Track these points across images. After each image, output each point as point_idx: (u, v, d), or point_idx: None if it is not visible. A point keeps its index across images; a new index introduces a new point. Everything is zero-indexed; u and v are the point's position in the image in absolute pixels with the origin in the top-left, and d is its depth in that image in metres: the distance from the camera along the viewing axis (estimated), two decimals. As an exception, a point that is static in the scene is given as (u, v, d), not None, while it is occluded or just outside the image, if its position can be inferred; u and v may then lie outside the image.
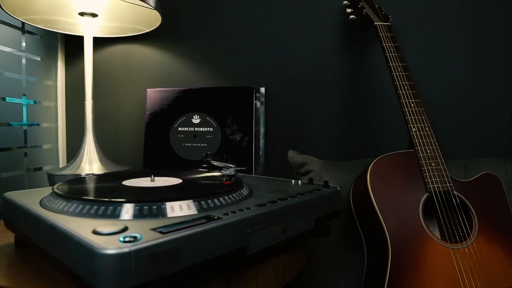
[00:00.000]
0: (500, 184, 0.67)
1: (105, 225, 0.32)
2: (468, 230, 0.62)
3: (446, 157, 0.84)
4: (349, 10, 0.87)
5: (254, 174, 0.88)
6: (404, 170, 0.66)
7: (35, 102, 0.96)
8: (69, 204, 0.40)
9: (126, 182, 0.51)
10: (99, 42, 1.05)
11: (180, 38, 1.02)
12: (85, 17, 0.83)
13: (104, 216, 0.38)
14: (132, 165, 1.04)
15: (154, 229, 0.33)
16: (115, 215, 0.37)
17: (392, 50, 0.77)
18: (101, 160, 0.83)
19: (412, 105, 0.71)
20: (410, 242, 0.60)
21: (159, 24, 0.88)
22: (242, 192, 0.47)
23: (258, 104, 0.93)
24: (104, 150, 1.05)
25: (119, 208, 0.38)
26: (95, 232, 0.31)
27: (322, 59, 0.94)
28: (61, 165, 1.07)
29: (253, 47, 0.98)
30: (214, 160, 0.68)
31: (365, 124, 0.93)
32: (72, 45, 1.07)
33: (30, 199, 0.46)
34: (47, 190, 0.52)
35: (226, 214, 0.38)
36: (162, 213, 0.38)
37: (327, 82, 0.94)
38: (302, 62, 0.95)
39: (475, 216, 0.63)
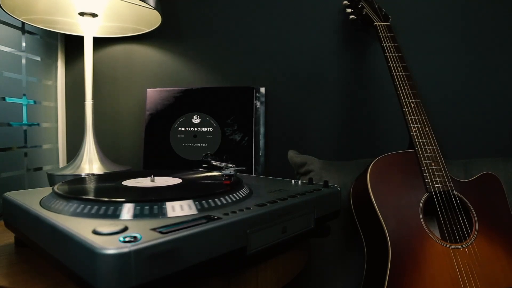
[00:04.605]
0: (500, 184, 0.67)
1: (105, 225, 0.32)
2: (468, 230, 0.62)
3: (446, 157, 0.84)
4: (349, 10, 0.87)
5: (254, 174, 0.88)
6: (404, 170, 0.66)
7: (35, 102, 0.96)
8: (69, 204, 0.40)
9: (126, 182, 0.51)
10: (99, 42, 1.05)
11: (180, 38, 1.02)
12: (85, 17, 0.83)
13: (104, 216, 0.38)
14: (132, 165, 1.04)
15: (154, 229, 0.33)
16: (115, 215, 0.37)
17: (392, 50, 0.77)
18: (101, 160, 0.83)
19: (412, 105, 0.71)
20: (410, 242, 0.60)
21: (159, 24, 0.88)
22: (242, 192, 0.47)
23: (258, 104, 0.93)
24: (104, 150, 1.05)
25: (119, 208, 0.38)
26: (95, 232, 0.31)
27: (322, 59, 0.94)
28: (61, 165, 1.07)
29: (253, 47, 0.98)
30: (214, 160, 0.68)
31: (365, 124, 0.93)
32: (72, 45, 1.07)
33: (30, 199, 0.46)
34: (47, 190, 0.52)
35: (226, 214, 0.38)
36: (162, 213, 0.38)
37: (327, 82, 0.94)
38: (302, 62, 0.95)
39: (475, 216, 0.63)
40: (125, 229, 0.32)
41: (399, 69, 0.75)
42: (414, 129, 0.69)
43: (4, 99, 0.86)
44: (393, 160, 0.67)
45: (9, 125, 0.88)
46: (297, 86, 0.96)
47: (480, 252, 0.59)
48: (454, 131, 0.88)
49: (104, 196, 0.41)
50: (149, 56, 1.04)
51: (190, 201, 0.40)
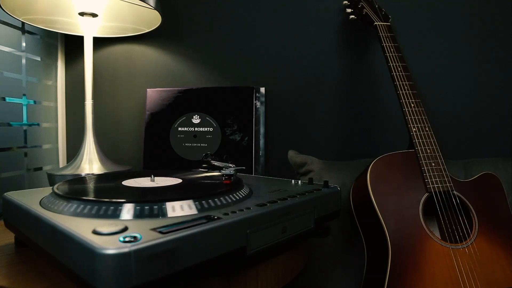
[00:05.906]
0: (500, 184, 0.67)
1: (105, 225, 0.32)
2: (468, 230, 0.62)
3: (446, 157, 0.84)
4: (349, 10, 0.87)
5: (254, 174, 0.88)
6: (404, 170, 0.66)
7: (35, 102, 0.96)
8: (69, 204, 0.40)
9: (126, 182, 0.51)
10: (99, 42, 1.05)
11: (180, 38, 1.02)
12: (85, 17, 0.83)
13: (104, 216, 0.38)
14: (132, 165, 1.04)
15: (154, 229, 0.33)
16: (115, 215, 0.37)
17: (392, 50, 0.77)
18: (101, 160, 0.83)
19: (412, 105, 0.71)
20: (410, 242, 0.60)
21: (159, 24, 0.88)
22: (242, 192, 0.47)
23: (258, 104, 0.93)
24: (104, 150, 1.05)
25: (119, 208, 0.38)
26: (95, 232, 0.31)
27: (322, 59, 0.94)
28: (61, 165, 1.07)
29: (253, 47, 0.98)
30: (214, 160, 0.68)
31: (365, 124, 0.93)
32: (72, 45, 1.07)
33: (30, 199, 0.46)
34: (47, 190, 0.52)
35: (226, 214, 0.38)
36: (162, 213, 0.38)
37: (327, 82, 0.94)
38: (302, 62, 0.95)
39: (475, 216, 0.63)
40: (125, 229, 0.32)
41: (399, 69, 0.75)
42: (414, 129, 0.69)
43: (4, 99, 0.86)
44: (393, 160, 0.67)
45: (9, 125, 0.88)
46: (297, 86, 0.96)
47: (480, 252, 0.59)
48: (454, 131, 0.88)
49: (104, 196, 0.41)
50: (149, 56, 1.04)
51: (190, 201, 0.40)
